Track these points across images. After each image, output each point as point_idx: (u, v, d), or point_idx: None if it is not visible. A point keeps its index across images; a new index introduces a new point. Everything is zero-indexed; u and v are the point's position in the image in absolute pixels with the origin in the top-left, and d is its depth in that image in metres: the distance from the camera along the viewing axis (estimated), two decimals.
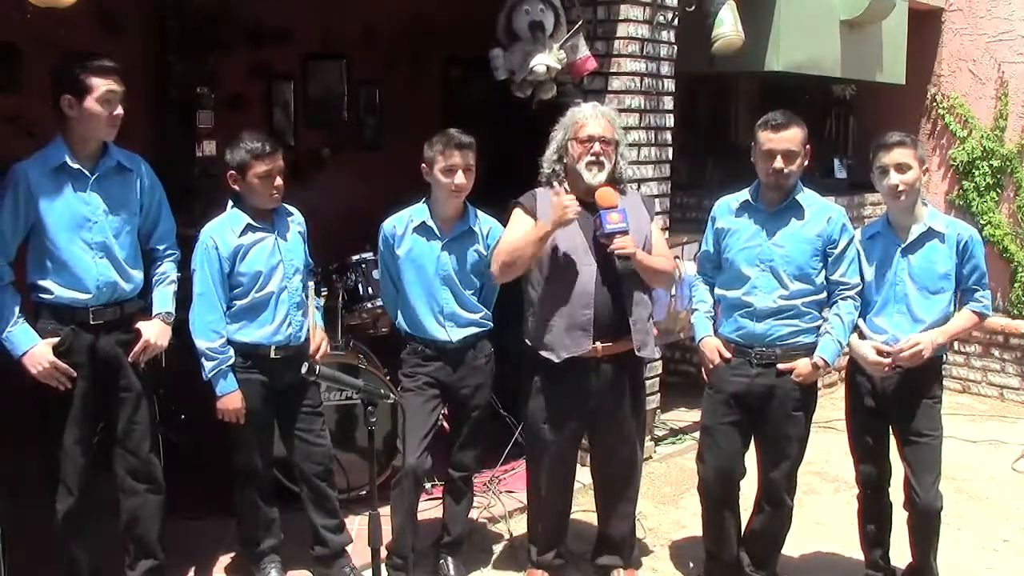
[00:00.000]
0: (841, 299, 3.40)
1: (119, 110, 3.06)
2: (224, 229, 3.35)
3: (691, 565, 3.93)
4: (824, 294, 3.41)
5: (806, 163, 3.38)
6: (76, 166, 3.06)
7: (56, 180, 3.03)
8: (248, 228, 3.36)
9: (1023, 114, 6.76)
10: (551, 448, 3.52)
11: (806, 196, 3.43)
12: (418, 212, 3.55)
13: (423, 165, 3.50)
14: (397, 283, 3.62)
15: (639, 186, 4.55)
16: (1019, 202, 6.80)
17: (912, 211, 3.35)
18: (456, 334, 3.55)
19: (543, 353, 3.42)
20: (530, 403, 3.53)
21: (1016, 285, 6.81)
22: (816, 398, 3.52)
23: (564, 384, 3.43)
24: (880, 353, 3.33)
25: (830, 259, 3.38)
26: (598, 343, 3.37)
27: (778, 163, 3.29)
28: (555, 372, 3.42)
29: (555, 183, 3.44)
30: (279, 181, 3.36)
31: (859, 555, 3.81)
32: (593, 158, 3.36)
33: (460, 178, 3.44)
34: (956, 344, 6.54)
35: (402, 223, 3.56)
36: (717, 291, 3.54)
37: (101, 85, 3.00)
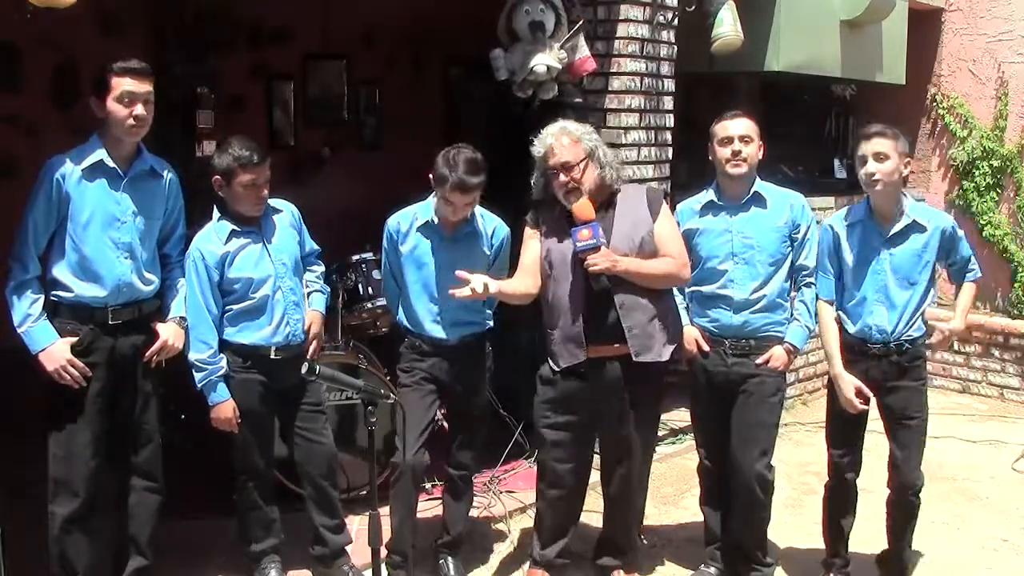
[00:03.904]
0: (805, 285, 3.56)
1: (139, 110, 3.04)
2: (209, 239, 3.35)
3: (691, 565, 3.93)
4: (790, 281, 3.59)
5: (760, 156, 3.50)
6: (112, 165, 3.08)
7: (91, 177, 3.05)
8: (233, 234, 3.36)
9: (1023, 114, 6.77)
10: (554, 448, 3.53)
11: (766, 187, 3.55)
12: (424, 210, 3.55)
13: (431, 175, 3.42)
14: (399, 280, 3.62)
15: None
16: (1019, 202, 6.81)
17: (895, 201, 3.40)
18: (453, 333, 3.55)
19: (549, 361, 3.46)
20: (535, 402, 3.55)
21: (1016, 285, 6.81)
22: (786, 387, 3.67)
23: (563, 383, 3.44)
24: (859, 393, 3.42)
25: (795, 243, 3.53)
26: (591, 348, 3.38)
27: (736, 145, 3.43)
28: (555, 372, 3.45)
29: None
30: (265, 191, 3.36)
31: (860, 554, 3.82)
32: (563, 188, 3.35)
33: (460, 212, 3.44)
34: (956, 344, 6.55)
35: (407, 220, 3.56)
36: (690, 287, 3.61)
37: (119, 85, 3.00)
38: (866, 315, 3.43)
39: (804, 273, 3.55)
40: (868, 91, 7.00)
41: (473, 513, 3.98)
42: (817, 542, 3.99)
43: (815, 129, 7.10)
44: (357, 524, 3.99)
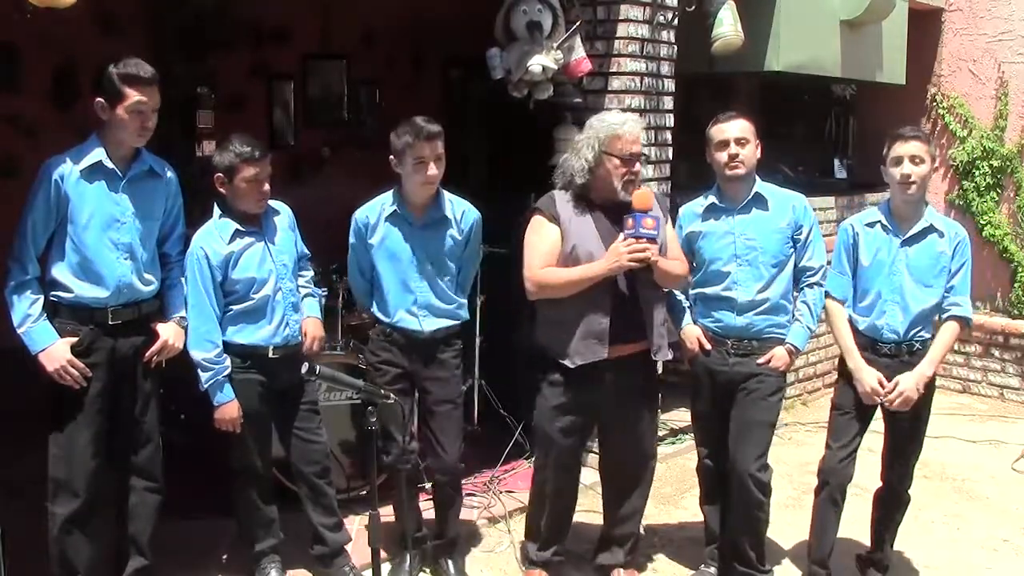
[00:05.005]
0: (808, 286, 3.56)
1: (151, 122, 3.06)
2: (212, 238, 3.34)
3: (691, 565, 3.93)
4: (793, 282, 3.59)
5: (758, 156, 3.51)
6: (111, 166, 3.07)
7: (90, 178, 3.05)
8: (236, 234, 3.35)
9: (1023, 114, 6.77)
10: (560, 448, 3.51)
11: (766, 188, 3.56)
12: (390, 200, 3.53)
13: (391, 157, 3.45)
14: (367, 273, 3.61)
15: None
16: (1019, 202, 6.81)
17: (918, 205, 3.44)
18: (429, 324, 3.53)
19: (559, 359, 3.40)
20: (540, 403, 3.51)
21: (1016, 285, 6.81)
22: (785, 387, 3.66)
23: (576, 385, 3.41)
24: (880, 382, 3.41)
25: (798, 245, 3.54)
26: (612, 346, 3.36)
27: (733, 148, 3.44)
28: (567, 373, 3.40)
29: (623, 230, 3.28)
30: (267, 187, 3.35)
31: (854, 554, 3.82)
32: (632, 177, 3.33)
33: (432, 169, 3.41)
34: (956, 344, 6.53)
35: (375, 212, 3.53)
36: (694, 289, 3.62)
37: (132, 96, 2.99)
38: (878, 314, 3.44)
39: (808, 274, 3.55)
40: (868, 91, 7.00)
41: (473, 513, 3.98)
42: None
43: (815, 129, 7.09)
44: (357, 524, 4.00)
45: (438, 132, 3.41)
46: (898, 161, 3.37)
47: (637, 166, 3.34)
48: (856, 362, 3.48)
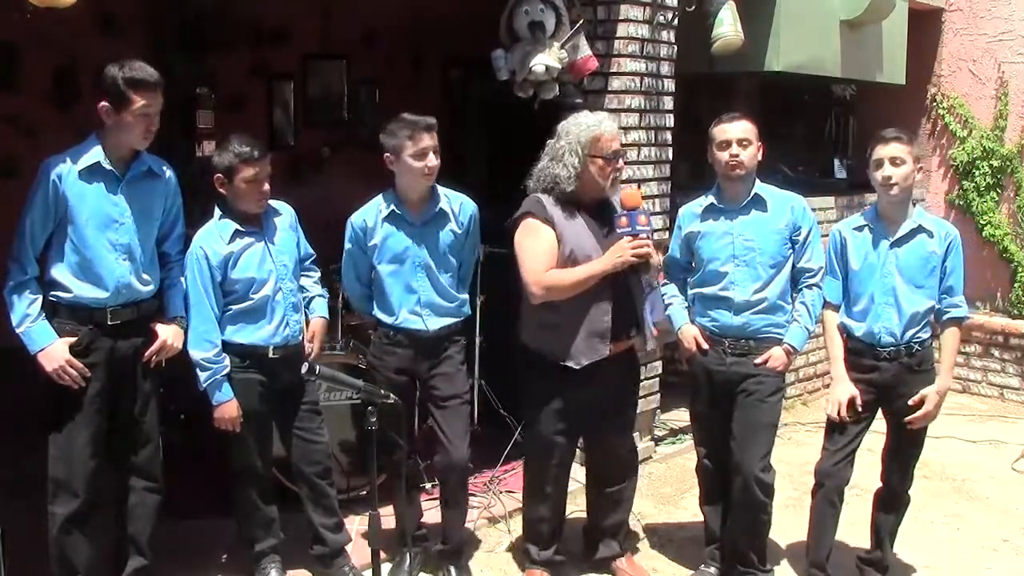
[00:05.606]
0: (806, 287, 3.56)
1: (155, 125, 3.07)
2: (213, 238, 3.34)
3: (691, 565, 3.93)
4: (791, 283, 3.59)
5: (759, 158, 3.52)
6: (109, 167, 3.07)
7: (88, 179, 3.05)
8: (236, 234, 3.35)
9: (1023, 114, 6.77)
10: (563, 448, 3.54)
11: (765, 189, 3.57)
12: (386, 201, 3.52)
13: (386, 155, 3.44)
14: (364, 278, 3.60)
15: (640, 186, 4.56)
16: (1019, 202, 6.81)
17: (904, 206, 3.44)
18: (433, 323, 3.53)
19: (561, 361, 3.40)
20: (538, 406, 3.51)
21: (1016, 285, 6.81)
22: (785, 387, 3.66)
23: (575, 386, 3.42)
24: (851, 401, 3.44)
25: (796, 246, 3.54)
26: (611, 345, 3.40)
27: (735, 148, 3.44)
28: (567, 376, 3.40)
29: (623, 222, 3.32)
30: (266, 186, 3.35)
31: (854, 555, 3.82)
32: (617, 174, 3.39)
33: (432, 160, 3.41)
34: None
35: (372, 214, 3.52)
36: (692, 289, 3.63)
37: (139, 101, 2.99)
38: (874, 318, 3.44)
39: (807, 275, 3.55)
40: (868, 91, 7.00)
41: (473, 513, 3.97)
42: None
43: (815, 129, 7.10)
44: (357, 524, 4.00)
45: (435, 123, 3.44)
46: (879, 164, 3.39)
47: (620, 162, 3.39)
48: (837, 372, 3.51)
